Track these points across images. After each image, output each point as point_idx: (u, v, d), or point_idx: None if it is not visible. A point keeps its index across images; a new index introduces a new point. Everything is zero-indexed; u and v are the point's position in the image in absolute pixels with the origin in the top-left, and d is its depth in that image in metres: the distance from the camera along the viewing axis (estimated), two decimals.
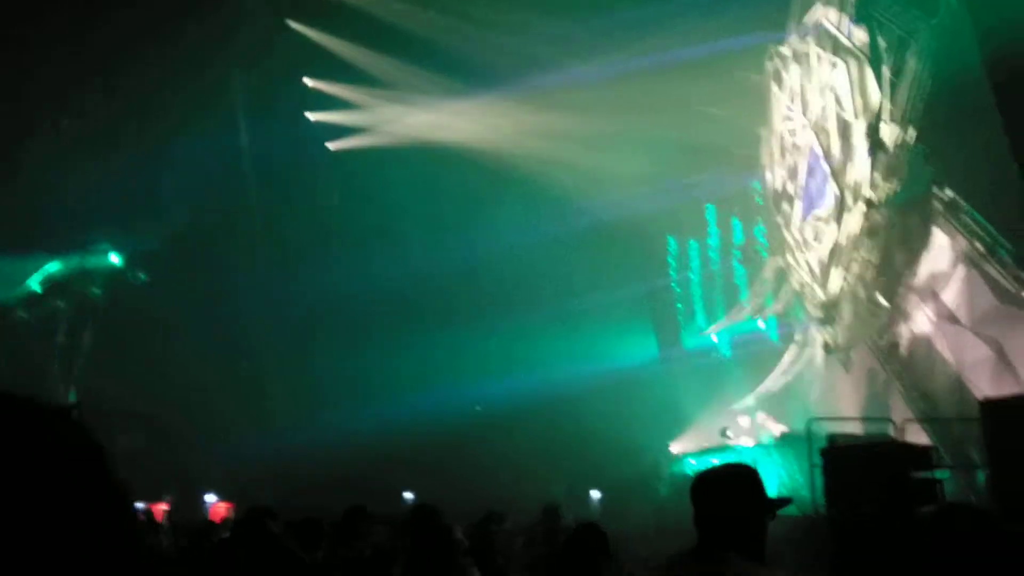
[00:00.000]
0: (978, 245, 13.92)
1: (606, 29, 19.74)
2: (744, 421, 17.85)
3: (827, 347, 17.21)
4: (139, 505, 17.71)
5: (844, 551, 7.27)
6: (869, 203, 15.89)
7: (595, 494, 20.56)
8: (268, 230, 23.33)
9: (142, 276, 21.10)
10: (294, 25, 20.48)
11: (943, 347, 15.00)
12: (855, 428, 12.53)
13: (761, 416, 18.15)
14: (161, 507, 18.09)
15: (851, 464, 7.79)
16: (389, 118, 22.04)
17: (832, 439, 9.42)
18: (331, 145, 23.08)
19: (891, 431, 9.34)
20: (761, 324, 22.12)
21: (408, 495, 19.34)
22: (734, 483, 2.88)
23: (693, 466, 17.80)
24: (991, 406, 8.94)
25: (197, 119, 19.88)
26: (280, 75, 21.28)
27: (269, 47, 20.35)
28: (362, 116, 22.21)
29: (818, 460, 9.22)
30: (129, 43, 18.17)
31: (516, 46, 19.79)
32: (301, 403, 20.46)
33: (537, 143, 21.21)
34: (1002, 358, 13.44)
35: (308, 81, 21.91)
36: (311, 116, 22.52)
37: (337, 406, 20.45)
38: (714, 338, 23.23)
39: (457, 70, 20.48)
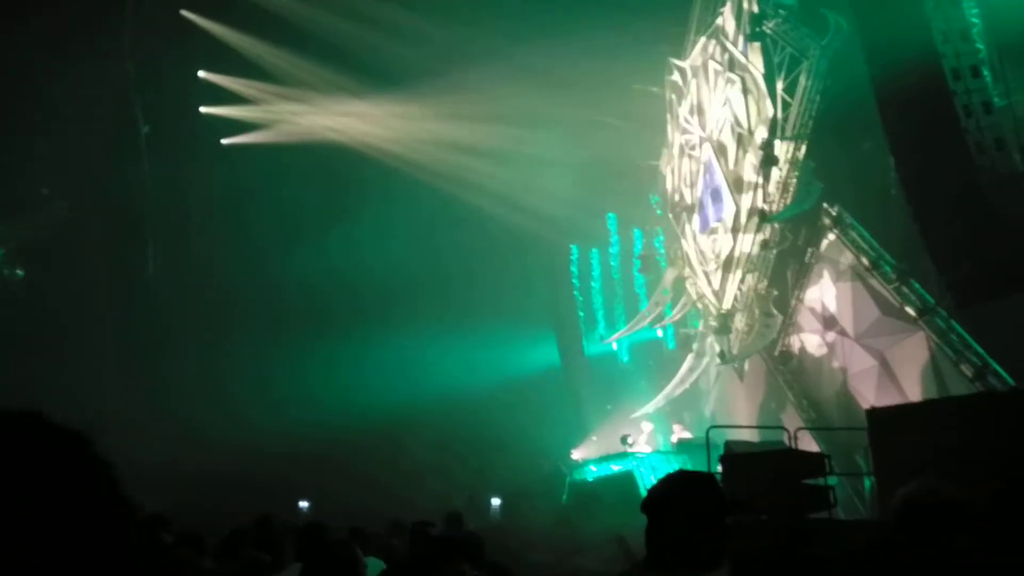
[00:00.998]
0: (863, 259, 14.53)
1: (509, 36, 19.77)
2: (644, 428, 18.10)
3: (722, 356, 17.64)
4: None
5: (739, 556, 7.34)
6: (762, 216, 16.38)
7: (496, 501, 20.44)
8: (162, 226, 22.35)
9: (19, 272, 19.81)
10: (189, 16, 19.66)
11: (831, 358, 15.59)
12: (751, 436, 12.82)
13: (662, 424, 18.46)
14: None
15: (748, 470, 7.91)
16: (286, 115, 21.46)
17: (729, 446, 9.57)
18: (225, 140, 22.26)
19: (785, 439, 9.57)
20: (659, 333, 22.52)
21: (303, 504, 18.77)
22: (691, 499, 2.73)
23: (594, 472, 17.89)
24: (876, 415, 9.27)
25: (84, 108, 18.87)
26: (174, 67, 20.42)
27: (163, 37, 19.50)
28: (258, 112, 21.52)
29: (715, 467, 9.34)
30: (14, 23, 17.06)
31: (417, 49, 19.62)
32: (201, 405, 19.55)
33: (439, 148, 21.07)
34: (885, 369, 14.06)
35: (203, 74, 21.08)
36: (205, 110, 21.67)
37: (239, 409, 19.75)
38: (614, 346, 23.52)
39: (359, 70, 20.17)
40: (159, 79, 20.72)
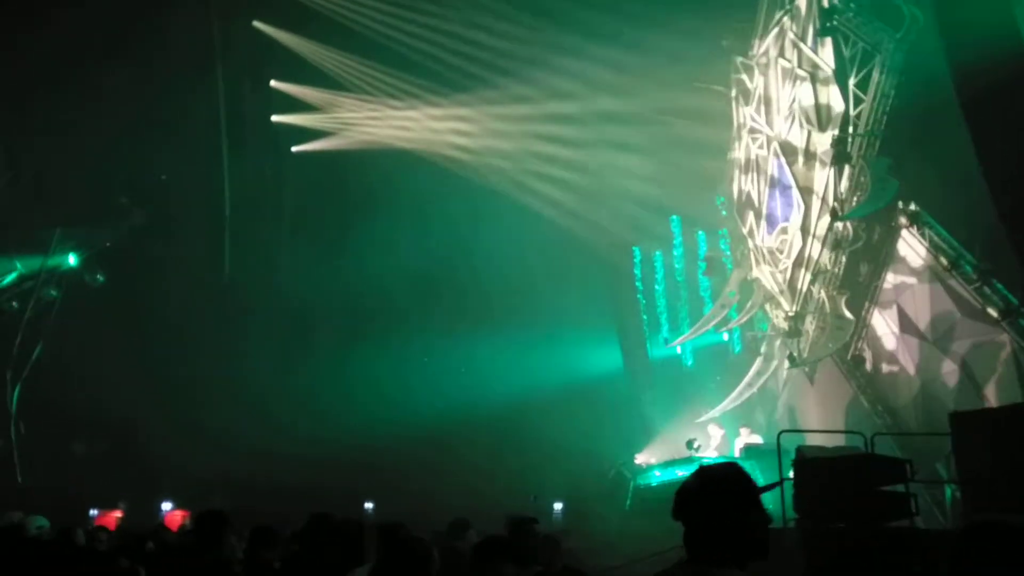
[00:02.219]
0: (942, 259, 13.98)
1: (572, 34, 19.72)
2: (711, 432, 17.74)
3: (792, 360, 17.18)
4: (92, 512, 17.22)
5: (814, 563, 7.11)
6: (834, 215, 15.90)
7: (558, 506, 20.30)
8: (231, 233, 22.84)
9: (100, 277, 20.48)
10: (260, 26, 20.14)
11: (907, 361, 15.04)
12: (823, 441, 12.44)
13: (727, 428, 18.07)
14: (115, 515, 17.58)
15: (823, 476, 7.65)
16: (353, 121, 21.79)
17: (801, 451, 9.28)
18: (295, 148, 22.72)
19: (861, 444, 9.23)
20: (725, 336, 22.12)
21: (368, 505, 18.93)
22: (714, 489, 2.72)
23: (658, 477, 17.59)
24: (960, 419, 8.88)
25: (167, 119, 19.46)
26: (246, 77, 20.96)
27: (235, 48, 20.02)
28: (324, 119, 21.92)
29: (788, 472, 9.08)
30: (98, 42, 17.73)
31: (481, 49, 19.71)
32: (254, 409, 19.92)
33: (500, 150, 21.11)
34: (966, 373, 13.49)
35: (275, 83, 21.55)
36: (276, 118, 22.15)
37: (295, 414, 20.04)
38: (678, 350, 23.17)
39: (420, 71, 20.32)
40: (234, 88, 21.24)
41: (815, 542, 7.16)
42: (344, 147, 22.23)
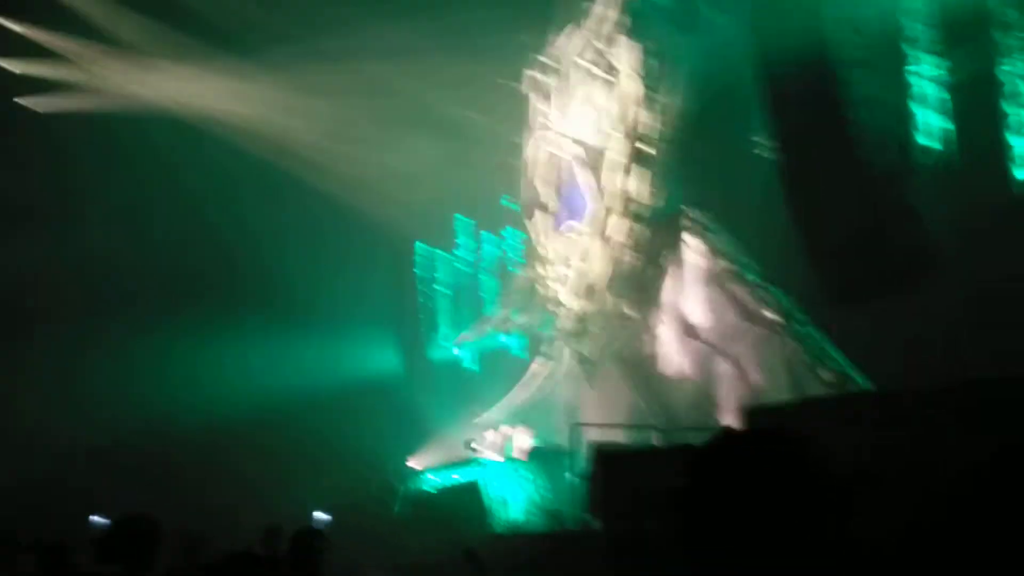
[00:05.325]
0: (722, 263, 14.33)
1: (368, 7, 18.46)
2: (491, 435, 17.11)
3: (581, 359, 17.01)
4: None
5: (625, 567, 6.46)
6: (624, 217, 15.94)
7: (321, 516, 18.79)
8: None
9: None
10: None
11: (685, 362, 15.28)
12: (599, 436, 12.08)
13: (507, 429, 17.53)
14: None
15: (640, 474, 7.06)
16: (115, 78, 18.94)
17: (600, 448, 8.72)
18: (33, 103, 19.34)
19: (653, 440, 8.85)
20: (503, 339, 21.78)
21: (97, 519, 16.35)
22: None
23: (432, 481, 16.73)
24: (750, 414, 8.72)
25: None
26: None
27: None
28: (66, 70, 18.86)
29: (581, 470, 8.47)
30: None
31: (268, 15, 17.90)
32: None
33: (283, 122, 19.30)
34: (741, 373, 13.85)
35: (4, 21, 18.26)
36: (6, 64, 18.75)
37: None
38: (456, 351, 22.54)
39: (201, 31, 18.06)
40: None
41: (625, 544, 6.52)
42: (85, 107, 19.28)
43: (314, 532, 5.23)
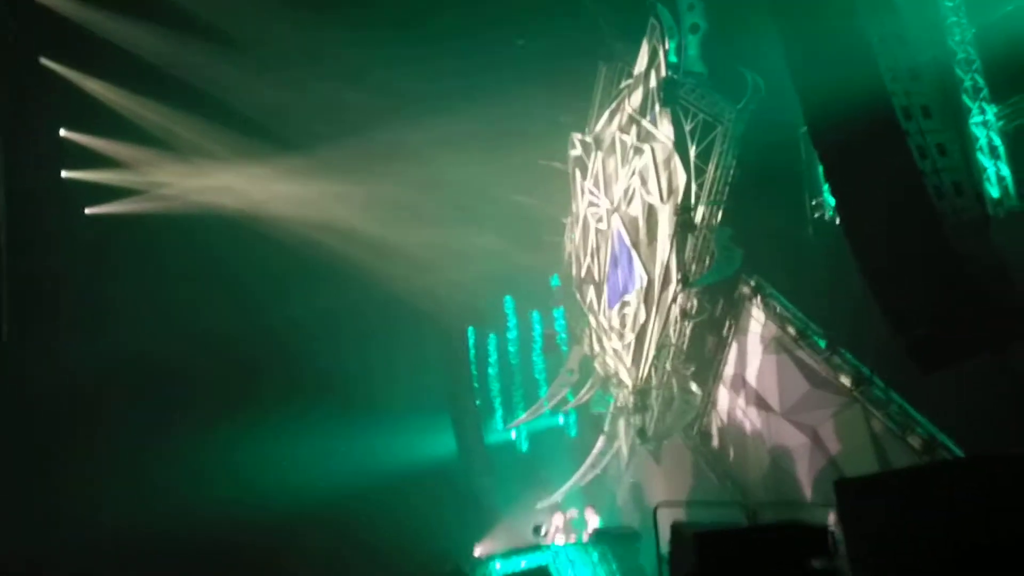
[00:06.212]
0: (789, 329, 13.78)
1: (409, 102, 18.82)
2: (557, 519, 16.50)
3: (642, 435, 16.42)
4: None
5: None
6: (677, 287, 15.57)
7: None
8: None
9: None
10: (49, 64, 17.64)
11: (756, 436, 14.60)
12: (679, 516, 11.46)
13: (573, 512, 16.92)
14: None
15: (727, 552, 6.55)
16: (158, 180, 19.45)
17: (678, 528, 8.20)
18: (89, 210, 19.96)
19: (743, 517, 8.31)
20: (560, 420, 21.35)
21: None
22: None
23: (499, 570, 16.10)
24: (846, 487, 8.14)
25: None
26: (31, 123, 18.22)
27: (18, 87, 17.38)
28: (126, 176, 19.43)
29: (666, 551, 7.94)
30: None
31: (310, 109, 18.34)
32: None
33: (334, 215, 19.54)
34: (818, 445, 13.14)
35: (65, 133, 18.95)
36: (67, 174, 19.40)
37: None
38: (513, 434, 22.13)
39: (242, 128, 18.55)
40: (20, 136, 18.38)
41: None
42: (145, 210, 19.79)
43: None
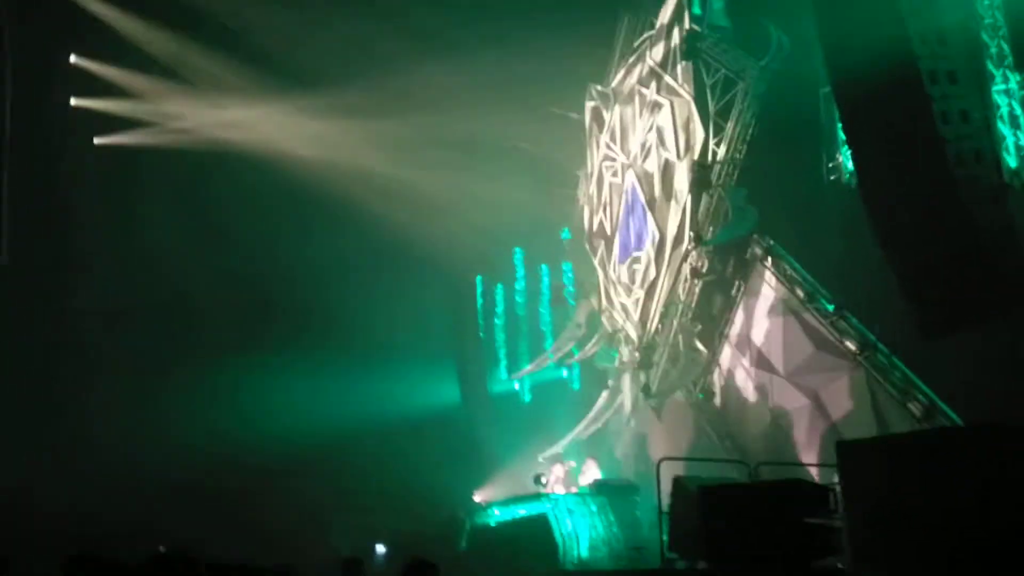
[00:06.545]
0: (798, 292, 13.79)
1: (423, 44, 18.57)
2: (558, 469, 16.70)
3: (646, 391, 16.52)
4: None
5: None
6: (690, 245, 15.51)
7: (380, 549, 18.56)
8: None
9: None
10: None
11: (758, 397, 14.69)
12: (680, 470, 11.58)
13: (573, 463, 17.11)
14: None
15: (728, 508, 6.63)
16: (171, 112, 19.32)
17: (681, 482, 8.29)
18: (98, 140, 19.85)
19: (745, 475, 8.40)
20: (564, 373, 21.43)
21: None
22: None
23: (497, 516, 16.34)
24: (847, 449, 8.20)
25: None
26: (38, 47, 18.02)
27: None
28: (138, 107, 19.29)
29: (667, 504, 8.06)
30: None
31: (327, 47, 18.10)
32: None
33: (349, 156, 19.41)
34: (819, 408, 13.24)
35: (75, 59, 18.79)
36: (76, 102, 19.26)
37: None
38: (516, 385, 22.25)
39: (270, 68, 18.34)
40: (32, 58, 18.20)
41: None
42: (156, 143, 19.67)
43: (427, 565, 5.04)
